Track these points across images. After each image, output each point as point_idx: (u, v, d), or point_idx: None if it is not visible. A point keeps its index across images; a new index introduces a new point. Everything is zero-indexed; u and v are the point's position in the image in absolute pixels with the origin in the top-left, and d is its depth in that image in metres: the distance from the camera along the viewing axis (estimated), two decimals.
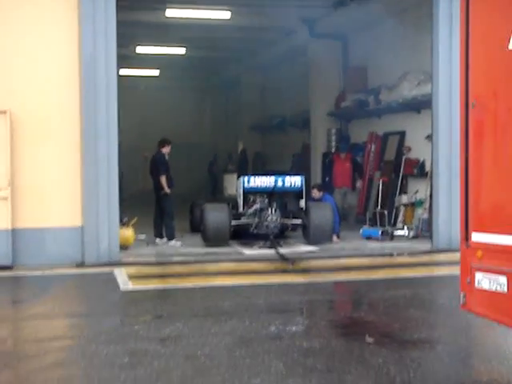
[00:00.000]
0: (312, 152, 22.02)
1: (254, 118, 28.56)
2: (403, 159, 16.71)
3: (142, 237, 13.99)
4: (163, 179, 13.95)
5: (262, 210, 13.76)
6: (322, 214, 13.67)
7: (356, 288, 9.92)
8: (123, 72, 27.76)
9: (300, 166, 23.57)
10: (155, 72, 30.17)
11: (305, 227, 13.92)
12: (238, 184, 13.99)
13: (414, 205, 16.05)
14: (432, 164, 13.72)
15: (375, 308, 8.64)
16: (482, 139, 6.34)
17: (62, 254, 11.76)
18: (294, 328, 7.51)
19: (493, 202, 6.29)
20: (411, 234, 14.65)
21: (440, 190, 13.27)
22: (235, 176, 30.20)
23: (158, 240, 14.23)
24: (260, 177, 13.60)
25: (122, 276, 10.70)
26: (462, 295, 6.45)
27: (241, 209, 13.70)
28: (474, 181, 6.44)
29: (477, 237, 6.43)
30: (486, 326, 7.27)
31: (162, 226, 14.32)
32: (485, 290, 6.22)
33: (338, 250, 13.41)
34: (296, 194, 14.04)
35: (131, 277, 10.62)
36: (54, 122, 11.93)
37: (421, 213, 15.75)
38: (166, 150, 14.24)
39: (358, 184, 17.33)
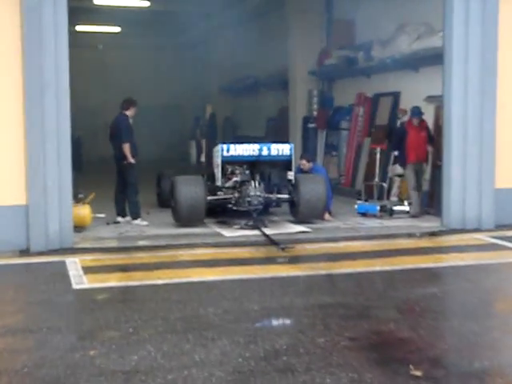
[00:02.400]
0: (291, 116, 19.92)
1: (225, 79, 26.31)
2: (398, 124, 14.75)
3: (102, 215, 11.82)
4: (126, 147, 11.76)
5: (243, 182, 11.69)
6: (314, 188, 11.63)
7: (370, 284, 7.94)
8: (80, 28, 25.42)
9: (276, 132, 21.52)
10: (116, 29, 27.69)
11: (293, 203, 11.90)
12: (214, 153, 11.85)
13: None
14: (443, 129, 11.73)
15: (405, 316, 6.65)
16: None
17: (1, 239, 9.56)
18: (307, 352, 5.50)
19: None
20: (413, 209, 12.74)
21: (453, 160, 11.31)
22: (203, 142, 28.27)
23: (120, 219, 12.07)
24: (242, 144, 11.47)
25: (75, 268, 8.58)
26: None
27: (219, 182, 11.58)
28: None
29: None
30: None
31: (124, 202, 12.17)
32: None
33: (332, 229, 11.41)
34: (282, 164, 11.94)
35: (87, 269, 8.50)
36: None
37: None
38: (130, 112, 12.01)
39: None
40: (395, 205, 12.98)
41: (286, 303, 6.96)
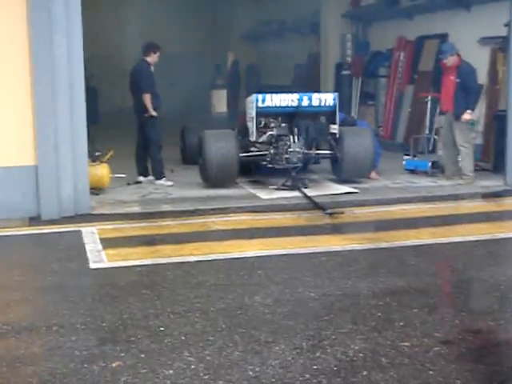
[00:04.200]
0: (322, 63, 18.42)
1: (248, 23, 24.72)
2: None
3: (121, 175, 10.54)
4: (147, 98, 10.44)
5: (279, 137, 10.36)
6: (361, 142, 10.30)
7: (444, 260, 6.66)
8: None
9: (305, 80, 20.03)
10: None
11: (335, 160, 10.57)
12: (248, 104, 10.48)
13: None
14: (507, 74, 10.26)
15: (503, 307, 5.35)
16: None
17: (8, 204, 8.32)
18: (392, 364, 4.24)
19: None
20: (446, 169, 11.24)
21: None
22: (224, 92, 26.83)
23: (141, 178, 10.83)
24: (280, 94, 10.06)
25: (93, 240, 7.35)
26: None
27: (253, 136, 10.23)
28: None
29: None
30: None
31: (146, 160, 10.90)
32: None
33: (382, 190, 10.12)
34: (325, 116, 10.60)
35: (106, 242, 7.26)
36: None
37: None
38: (152, 58, 10.64)
39: (466, 115, 10.30)
40: None
41: (348, 289, 5.69)
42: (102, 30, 25.00)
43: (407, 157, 11.71)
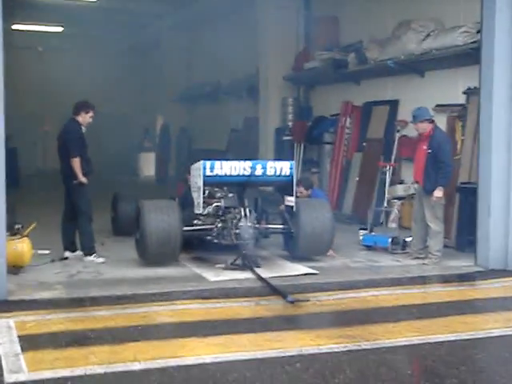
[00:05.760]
0: (261, 128, 17.51)
1: (180, 86, 23.79)
2: (397, 137, 12.48)
3: (45, 252, 9.16)
4: (76, 162, 9.17)
5: (227, 209, 9.21)
6: (319, 216, 9.21)
7: (444, 367, 5.44)
8: (17, 27, 22.73)
9: (240, 145, 19.09)
10: (58, 28, 24.98)
11: (289, 235, 9.46)
12: (193, 171, 9.30)
13: (413, 198, 11.85)
14: (480, 143, 9.42)
15: None
16: None
17: None
18: None
19: None
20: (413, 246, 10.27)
21: (493, 179, 9.03)
22: (152, 155, 25.82)
23: (68, 254, 9.45)
24: (230, 161, 8.91)
25: (9, 339, 5.91)
26: None
27: (200, 208, 9.02)
28: None
29: None
30: None
31: (74, 233, 9.53)
32: None
33: (343, 270, 9.03)
34: (280, 186, 9.54)
35: (27, 342, 5.83)
36: None
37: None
38: (83, 119, 9.38)
39: (437, 192, 9.28)
40: (408, 236, 10.63)
41: None
42: (24, 88, 23.69)
43: (363, 231, 10.71)
